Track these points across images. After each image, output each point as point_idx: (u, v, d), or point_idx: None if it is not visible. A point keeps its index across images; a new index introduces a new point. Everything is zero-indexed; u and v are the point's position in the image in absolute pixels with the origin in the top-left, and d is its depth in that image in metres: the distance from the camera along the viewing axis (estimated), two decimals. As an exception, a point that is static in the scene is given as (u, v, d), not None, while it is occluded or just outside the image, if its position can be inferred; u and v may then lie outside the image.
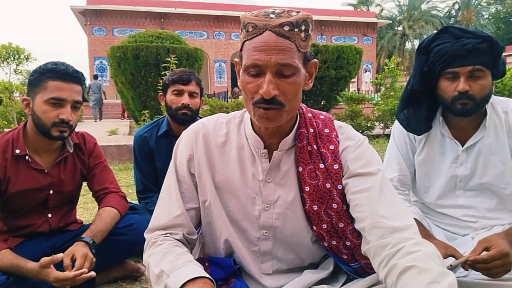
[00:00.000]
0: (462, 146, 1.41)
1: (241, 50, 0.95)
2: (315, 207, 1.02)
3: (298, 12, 0.92)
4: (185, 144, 1.09)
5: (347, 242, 1.03)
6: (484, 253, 1.15)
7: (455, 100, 1.31)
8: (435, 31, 1.38)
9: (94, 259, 1.44)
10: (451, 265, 1.15)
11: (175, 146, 1.12)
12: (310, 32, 0.93)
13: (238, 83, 0.99)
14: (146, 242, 1.06)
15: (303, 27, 0.90)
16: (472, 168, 1.40)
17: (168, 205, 1.06)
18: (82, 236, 1.52)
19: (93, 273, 1.36)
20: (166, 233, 1.04)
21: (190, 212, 1.07)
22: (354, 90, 13.08)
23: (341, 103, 9.85)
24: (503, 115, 1.38)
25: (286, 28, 0.88)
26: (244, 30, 0.93)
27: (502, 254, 1.13)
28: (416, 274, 0.78)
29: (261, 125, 0.97)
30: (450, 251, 1.21)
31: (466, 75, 1.28)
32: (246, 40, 0.92)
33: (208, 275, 0.90)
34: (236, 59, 1.01)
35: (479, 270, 1.15)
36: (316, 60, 1.00)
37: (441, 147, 1.45)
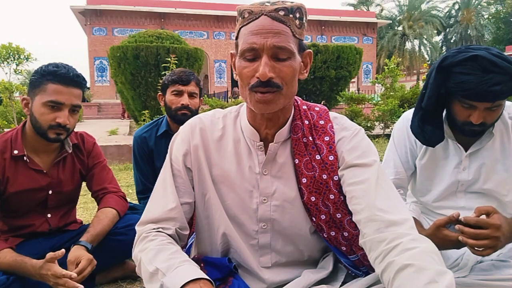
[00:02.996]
0: (466, 151, 1.38)
1: (236, 38, 0.96)
2: (313, 199, 1.03)
3: (292, 2, 0.94)
4: (181, 138, 1.09)
5: (345, 233, 1.04)
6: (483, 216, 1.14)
7: (466, 124, 1.28)
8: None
9: (95, 264, 1.45)
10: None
11: (171, 141, 1.12)
12: (304, 21, 0.95)
13: (234, 75, 0.99)
14: (137, 236, 1.03)
15: (297, 15, 0.93)
16: (475, 174, 1.38)
17: (163, 198, 1.05)
18: (81, 240, 1.51)
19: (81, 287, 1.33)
20: (159, 228, 1.02)
21: (184, 206, 1.06)
22: (354, 90, 13.10)
23: (341, 103, 9.84)
24: (509, 121, 1.34)
25: (281, 12, 0.91)
26: (240, 18, 0.94)
27: (491, 224, 1.11)
28: (414, 273, 0.78)
29: (258, 111, 0.97)
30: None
31: (483, 109, 1.23)
32: (242, 27, 0.94)
33: (207, 277, 0.90)
34: (231, 51, 1.01)
35: (468, 236, 1.12)
36: (311, 50, 1.01)
37: (445, 151, 1.42)
